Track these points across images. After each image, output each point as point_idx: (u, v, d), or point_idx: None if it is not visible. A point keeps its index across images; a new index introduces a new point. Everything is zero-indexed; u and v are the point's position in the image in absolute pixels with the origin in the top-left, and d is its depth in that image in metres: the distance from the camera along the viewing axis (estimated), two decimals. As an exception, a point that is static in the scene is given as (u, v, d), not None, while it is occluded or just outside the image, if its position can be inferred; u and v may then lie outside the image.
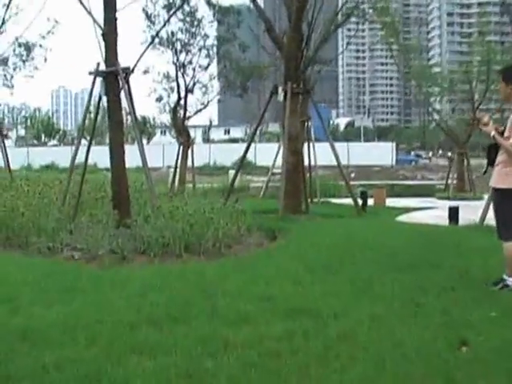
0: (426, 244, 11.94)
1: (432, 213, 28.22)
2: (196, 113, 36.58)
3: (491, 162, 8.66)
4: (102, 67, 13.82)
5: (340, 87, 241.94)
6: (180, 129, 34.74)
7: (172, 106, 35.55)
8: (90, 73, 14.07)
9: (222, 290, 8.14)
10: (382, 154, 79.71)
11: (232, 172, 47.59)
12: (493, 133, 8.41)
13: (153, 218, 12.18)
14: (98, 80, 14.09)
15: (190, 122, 44.68)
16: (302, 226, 15.26)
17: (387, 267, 9.69)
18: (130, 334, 6.37)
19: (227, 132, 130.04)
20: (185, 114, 34.65)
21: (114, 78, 13.42)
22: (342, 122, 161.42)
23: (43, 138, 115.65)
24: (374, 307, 7.33)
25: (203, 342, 6.07)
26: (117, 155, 13.71)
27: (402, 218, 24.96)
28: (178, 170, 34.22)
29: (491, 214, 9.42)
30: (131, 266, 10.61)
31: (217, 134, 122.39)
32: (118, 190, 13.64)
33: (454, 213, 19.88)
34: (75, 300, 7.79)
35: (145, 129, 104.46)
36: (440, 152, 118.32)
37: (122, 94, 13.81)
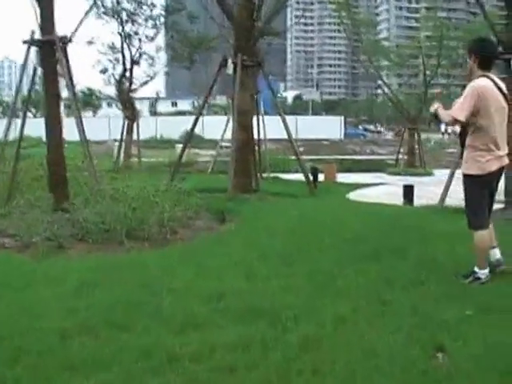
0: (387, 228, 11.16)
1: (384, 189, 27.77)
2: (142, 85, 35.52)
3: (463, 145, 7.99)
4: (39, 36, 12.69)
5: (288, 60, 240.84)
6: (125, 102, 33.60)
7: (117, 78, 34.35)
8: (24, 42, 12.90)
9: (167, 287, 7.28)
10: (330, 127, 79.34)
11: (179, 146, 46.68)
12: (432, 108, 7.79)
13: (92, 201, 11.21)
14: (33, 50, 12.99)
15: (136, 95, 43.55)
16: (253, 206, 14.41)
17: (348, 256, 8.93)
18: (62, 346, 5.50)
19: (174, 104, 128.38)
20: (130, 86, 33.57)
21: (50, 47, 12.32)
22: (289, 95, 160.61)
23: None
24: (337, 306, 6.55)
25: (146, 355, 5.25)
26: (53, 132, 12.66)
27: (355, 194, 24.45)
28: (123, 143, 33.06)
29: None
30: (68, 256, 9.66)
31: (164, 106, 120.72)
32: (55, 170, 12.61)
33: (408, 191, 19.25)
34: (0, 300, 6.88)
35: (91, 101, 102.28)
36: (386, 126, 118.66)
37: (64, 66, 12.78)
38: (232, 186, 16.15)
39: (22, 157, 16.13)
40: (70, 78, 13.04)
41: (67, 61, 12.62)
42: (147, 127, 70.77)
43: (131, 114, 33.00)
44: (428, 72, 37.64)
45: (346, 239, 10.12)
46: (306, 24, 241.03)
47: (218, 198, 15.55)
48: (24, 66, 13.47)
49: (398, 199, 21.81)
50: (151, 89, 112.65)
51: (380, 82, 40.39)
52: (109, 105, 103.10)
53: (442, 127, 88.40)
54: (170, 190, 13.09)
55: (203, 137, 69.40)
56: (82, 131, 12.93)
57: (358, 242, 9.90)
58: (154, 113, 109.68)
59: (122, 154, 33.10)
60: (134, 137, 33.94)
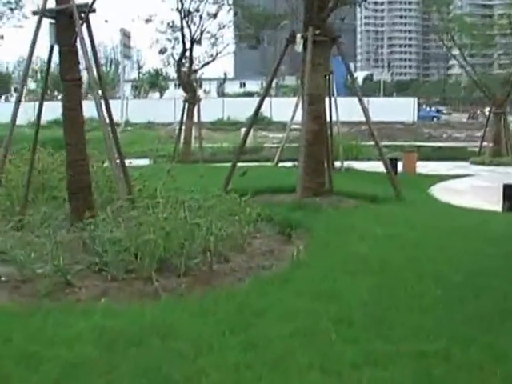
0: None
1: (470, 182, 24.97)
2: (203, 66, 32.80)
3: None
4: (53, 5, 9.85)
5: (358, 40, 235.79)
6: (185, 84, 30.81)
7: (176, 58, 31.63)
8: (34, 12, 10.01)
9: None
10: (402, 109, 75.77)
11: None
12: None
13: (112, 220, 8.41)
14: (47, 22, 10.10)
15: (204, 75, 40.98)
16: (326, 218, 11.38)
17: (474, 323, 6.05)
18: None
19: (243, 85, 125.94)
20: (190, 67, 30.68)
21: (67, 19, 9.53)
22: (360, 75, 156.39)
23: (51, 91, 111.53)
24: None
25: None
26: (71, 127, 9.88)
27: (439, 190, 21.94)
28: (182, 129, 30.36)
29: None
30: (72, 303, 6.92)
31: (232, 87, 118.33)
32: (74, 176, 9.84)
33: (509, 195, 16.04)
34: None
35: (157, 82, 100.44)
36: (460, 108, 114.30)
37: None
38: (301, 187, 13.24)
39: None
40: (95, 58, 10.25)
41: (90, 35, 9.82)
42: (214, 109, 68.77)
43: (192, 97, 30.17)
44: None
45: (459, 285, 7.18)
46: (375, 3, 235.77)
47: (284, 205, 12.65)
48: (34, 44, 10.34)
49: (490, 197, 19.14)
50: (219, 69, 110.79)
51: (455, 61, 36.91)
52: (176, 86, 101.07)
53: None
54: (222, 198, 10.28)
55: (271, 119, 67.40)
56: (104, 122, 10.05)
57: (476, 291, 6.98)
58: (221, 93, 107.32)
59: (181, 140, 30.38)
60: (196, 120, 31.12)
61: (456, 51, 38.58)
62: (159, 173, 13.62)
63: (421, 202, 14.55)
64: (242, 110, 65.64)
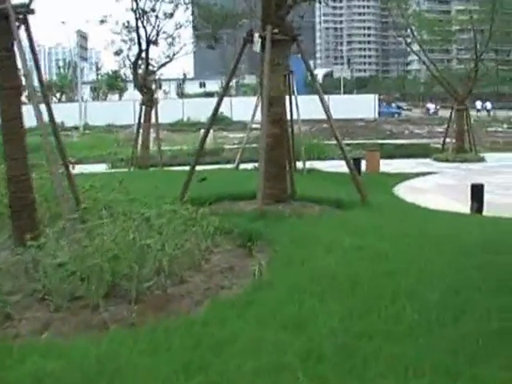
0: (492, 278, 7.57)
1: (435, 181, 24.82)
2: (160, 67, 31.98)
3: None
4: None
5: (317, 38, 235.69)
6: (142, 86, 29.95)
7: (133, 60, 30.77)
8: None
9: None
10: (363, 106, 75.88)
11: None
12: None
13: (54, 243, 7.63)
14: None
15: (163, 75, 40.16)
16: (289, 228, 10.54)
17: (457, 350, 5.43)
18: None
19: (203, 85, 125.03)
20: (147, 68, 29.87)
21: (3, 21, 8.66)
22: (320, 73, 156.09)
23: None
24: None
25: None
26: (11, 139, 9.00)
27: (404, 189, 21.96)
28: (140, 132, 29.48)
29: None
30: (6, 347, 6.10)
31: (192, 87, 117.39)
32: (16, 192, 8.99)
33: (478, 194, 15.57)
34: None
35: (116, 84, 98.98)
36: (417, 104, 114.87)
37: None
38: (261, 194, 12.51)
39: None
40: (35, 60, 9.42)
41: (30, 38, 9.03)
42: (174, 109, 68.04)
43: (149, 99, 29.34)
44: (478, 47, 33.70)
45: (436, 304, 6.54)
46: (334, 0, 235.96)
47: (244, 215, 11.91)
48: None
49: (457, 195, 19.32)
50: (179, 69, 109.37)
51: (414, 57, 36.63)
52: (136, 87, 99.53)
53: (478, 104, 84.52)
54: (177, 213, 9.54)
55: (231, 118, 67.00)
56: (44, 131, 9.26)
57: (455, 311, 6.35)
58: (181, 94, 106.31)
59: (139, 144, 29.51)
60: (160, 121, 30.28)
61: (416, 47, 38.28)
62: (113, 181, 12.93)
63: (387, 206, 13.90)
64: (202, 110, 65.07)
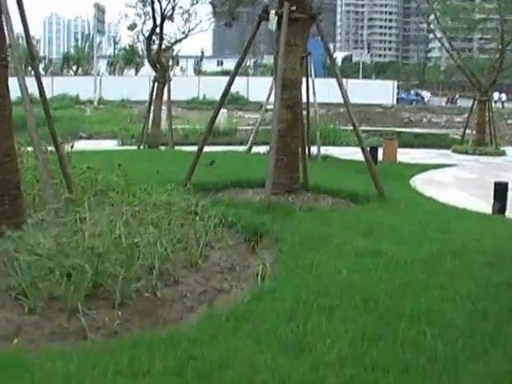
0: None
1: (453, 173, 23.92)
2: (174, 43, 31.07)
3: None
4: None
5: (338, 20, 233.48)
6: (155, 62, 29.03)
7: (146, 35, 29.86)
8: None
9: None
10: (382, 92, 74.61)
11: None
12: None
13: (31, 234, 6.75)
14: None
15: (181, 52, 39.36)
16: (298, 224, 9.58)
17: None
18: None
19: (220, 64, 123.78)
20: (160, 44, 28.90)
21: None
22: (339, 56, 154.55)
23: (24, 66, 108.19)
24: None
25: None
26: None
27: (422, 181, 20.94)
28: (152, 109, 28.59)
29: None
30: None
31: (209, 65, 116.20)
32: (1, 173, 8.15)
33: (501, 193, 14.62)
34: None
35: (133, 58, 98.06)
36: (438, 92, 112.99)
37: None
38: (270, 185, 11.64)
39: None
40: (25, 29, 8.51)
41: (20, 5, 8.13)
42: (190, 87, 67.19)
43: (162, 76, 28.41)
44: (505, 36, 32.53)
45: (462, 331, 5.67)
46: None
47: (251, 205, 11.02)
48: None
49: (476, 190, 18.93)
50: (197, 46, 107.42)
51: (435, 44, 35.59)
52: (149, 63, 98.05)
53: (496, 95, 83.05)
54: (173, 207, 8.69)
55: (248, 98, 66.24)
56: (27, 100, 8.34)
57: (484, 342, 5.47)
58: (198, 72, 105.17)
59: (150, 122, 28.63)
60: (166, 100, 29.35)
61: (439, 34, 37.20)
62: (118, 161, 12.15)
63: (404, 201, 12.84)
64: (218, 88, 64.02)
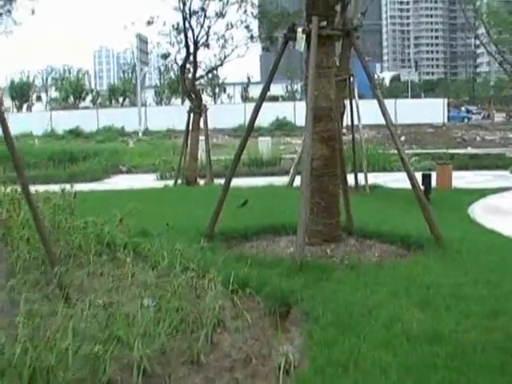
0: None
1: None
2: (208, 72, 29.36)
3: None
4: None
5: (384, 40, 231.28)
6: (189, 91, 27.28)
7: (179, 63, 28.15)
8: None
9: None
10: (432, 110, 72.26)
11: (263, 140, 40.53)
12: None
13: None
14: None
15: (227, 79, 38.00)
16: (336, 291, 7.61)
17: None
18: None
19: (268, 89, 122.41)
20: (194, 72, 27.11)
21: None
22: (386, 76, 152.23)
23: (72, 99, 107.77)
24: None
25: None
26: None
27: (483, 210, 18.69)
28: (188, 143, 26.77)
29: None
30: None
31: (257, 91, 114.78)
32: None
33: None
34: None
35: (178, 88, 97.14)
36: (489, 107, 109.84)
37: None
38: (303, 235, 9.74)
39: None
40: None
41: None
42: (237, 114, 66.08)
43: (197, 106, 26.61)
44: None
45: None
46: (401, 2, 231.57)
47: (280, 265, 9.04)
48: None
49: None
50: (244, 73, 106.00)
51: (484, 59, 33.59)
52: (201, 91, 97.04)
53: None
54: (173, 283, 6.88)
55: (295, 124, 65.00)
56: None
57: None
58: (245, 98, 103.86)
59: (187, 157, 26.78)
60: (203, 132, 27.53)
61: (489, 47, 35.27)
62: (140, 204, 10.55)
63: (466, 244, 10.74)
64: (264, 114, 62.95)
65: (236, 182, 25.42)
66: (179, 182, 26.45)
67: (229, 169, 12.97)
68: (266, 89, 11.93)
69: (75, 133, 62.36)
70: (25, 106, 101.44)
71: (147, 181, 31.13)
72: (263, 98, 11.69)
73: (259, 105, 11.87)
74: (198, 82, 29.62)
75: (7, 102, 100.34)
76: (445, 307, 6.95)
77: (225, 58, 28.88)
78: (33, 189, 7.55)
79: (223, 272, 8.08)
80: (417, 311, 6.76)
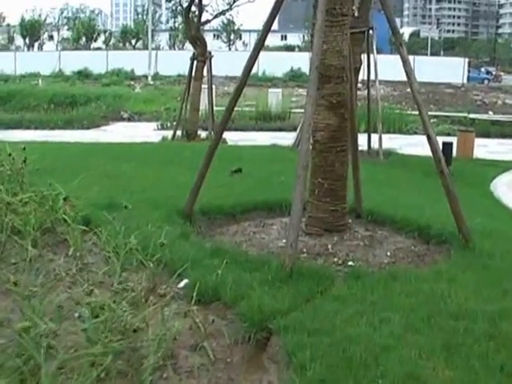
0: None
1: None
2: (215, 17, 27.09)
3: None
4: None
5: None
6: (193, 37, 25.02)
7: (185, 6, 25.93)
8: None
9: None
10: (451, 69, 69.84)
11: (273, 91, 38.54)
12: None
13: None
14: None
15: (243, 26, 35.87)
16: (332, 314, 5.62)
17: None
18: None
19: (284, 38, 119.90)
20: (199, 17, 24.86)
21: None
22: (406, 31, 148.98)
23: (84, 40, 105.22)
24: None
25: None
26: None
27: (505, 189, 17.15)
28: (190, 92, 24.67)
29: None
30: None
31: (273, 39, 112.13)
32: None
33: None
34: None
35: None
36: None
37: None
38: (307, 220, 7.75)
39: None
40: None
41: None
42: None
43: (201, 53, 24.42)
44: None
45: None
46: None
47: (268, 267, 6.95)
48: None
49: None
50: (261, 20, 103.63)
51: (507, 20, 31.37)
52: (215, 37, 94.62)
53: None
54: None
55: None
56: None
57: None
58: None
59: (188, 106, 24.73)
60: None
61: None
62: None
63: (498, 243, 8.65)
64: (279, 64, 61.31)
65: (239, 136, 23.56)
66: (179, 133, 24.49)
67: (217, 127, 10.87)
68: (263, 38, 9.71)
69: (83, 74, 60.38)
70: (36, 44, 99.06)
71: (147, 130, 29.37)
72: (259, 49, 9.52)
73: (256, 54, 9.66)
74: (208, 27, 27.51)
75: (18, 41, 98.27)
76: (479, 356, 4.99)
77: (234, 1, 26.71)
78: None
79: (191, 274, 6.27)
80: (442, 363, 4.78)
